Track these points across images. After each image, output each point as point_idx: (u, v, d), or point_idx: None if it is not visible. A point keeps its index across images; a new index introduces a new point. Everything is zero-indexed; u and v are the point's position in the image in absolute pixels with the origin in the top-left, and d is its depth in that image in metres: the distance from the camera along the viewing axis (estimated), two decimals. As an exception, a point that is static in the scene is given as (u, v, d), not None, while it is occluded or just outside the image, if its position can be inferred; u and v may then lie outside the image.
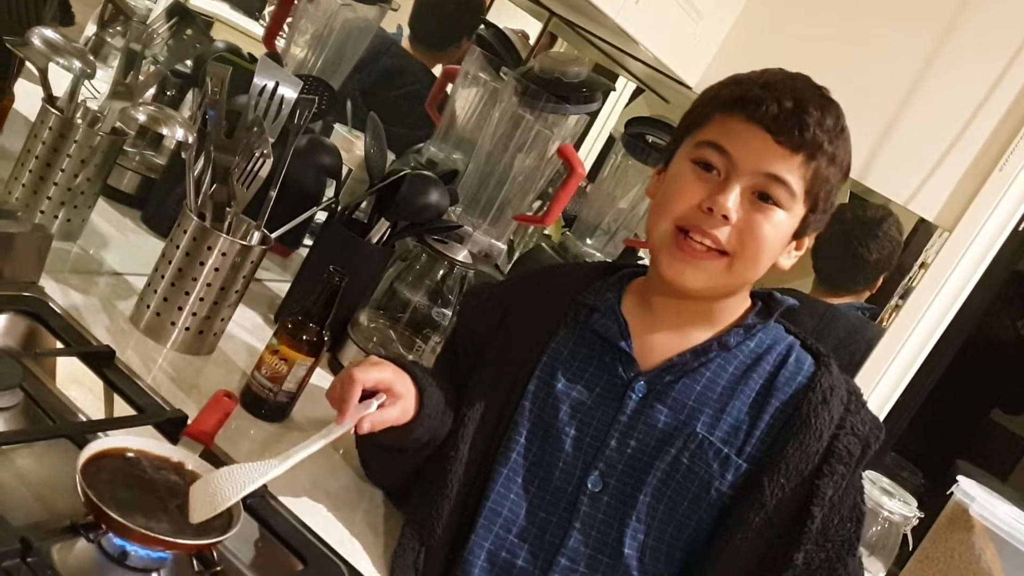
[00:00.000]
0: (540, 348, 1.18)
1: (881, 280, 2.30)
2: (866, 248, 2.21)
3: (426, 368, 1.19)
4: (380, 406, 1.06)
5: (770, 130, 1.06)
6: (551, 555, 1.12)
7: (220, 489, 0.93)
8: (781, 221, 1.09)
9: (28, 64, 1.41)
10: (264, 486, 1.06)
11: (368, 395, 1.06)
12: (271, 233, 1.41)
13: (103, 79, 1.53)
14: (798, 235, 1.13)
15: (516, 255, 2.13)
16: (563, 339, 1.19)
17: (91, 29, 1.84)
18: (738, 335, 1.15)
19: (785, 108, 1.06)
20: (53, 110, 1.40)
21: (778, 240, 1.11)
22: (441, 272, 1.58)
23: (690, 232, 1.09)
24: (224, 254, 1.31)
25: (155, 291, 1.33)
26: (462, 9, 2.72)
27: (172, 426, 1.10)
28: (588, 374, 1.16)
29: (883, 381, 1.84)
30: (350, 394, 1.04)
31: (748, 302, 1.20)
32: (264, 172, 1.33)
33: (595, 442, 1.13)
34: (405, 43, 2.82)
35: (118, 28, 1.62)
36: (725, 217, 1.07)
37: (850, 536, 1.11)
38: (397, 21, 2.87)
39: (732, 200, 1.07)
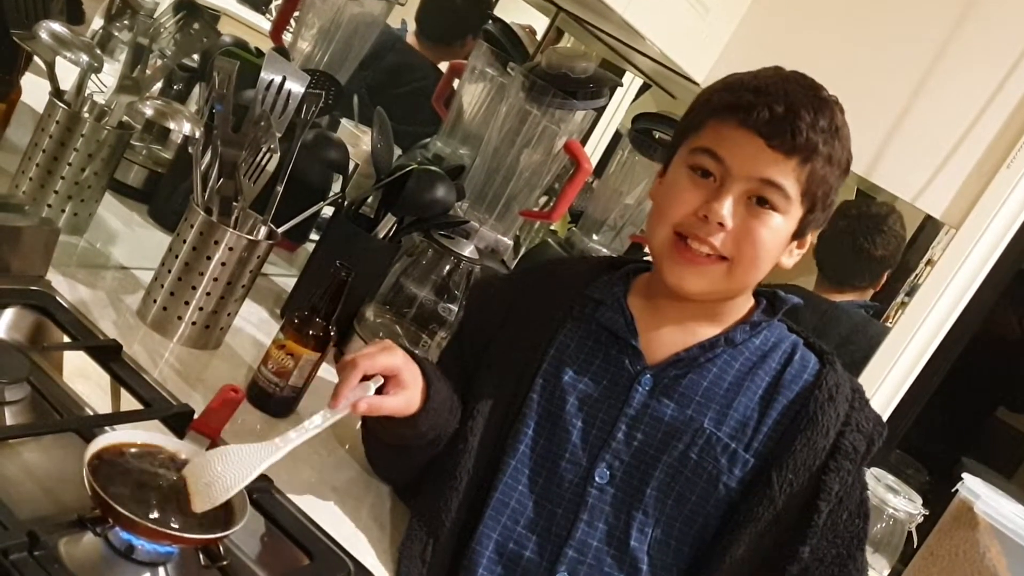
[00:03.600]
0: (547, 341, 1.19)
1: (885, 277, 2.29)
2: (872, 244, 2.21)
3: (434, 364, 1.19)
4: (379, 390, 1.05)
5: (763, 135, 1.06)
6: (558, 546, 1.12)
7: (217, 478, 0.92)
8: (778, 225, 1.09)
9: (35, 58, 1.41)
10: (268, 479, 1.07)
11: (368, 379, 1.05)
12: (278, 228, 1.41)
13: (110, 73, 1.53)
14: (798, 235, 1.14)
15: (522, 251, 2.13)
16: (570, 332, 1.19)
17: (98, 23, 1.84)
18: (744, 332, 1.16)
19: (776, 113, 1.05)
20: (60, 104, 1.40)
21: (776, 243, 1.11)
22: (447, 267, 1.58)
23: (688, 239, 1.10)
24: (231, 249, 1.31)
25: (162, 285, 1.33)
26: (470, 4, 2.72)
27: (179, 420, 1.10)
28: (595, 367, 1.16)
29: (889, 378, 1.84)
30: (347, 379, 1.02)
31: (752, 300, 1.20)
32: (271, 167, 1.33)
33: (602, 434, 1.14)
34: (410, 38, 2.81)
35: (125, 22, 1.62)
36: (720, 224, 1.07)
37: (859, 531, 1.12)
38: (402, 16, 2.87)
39: (727, 207, 1.07)
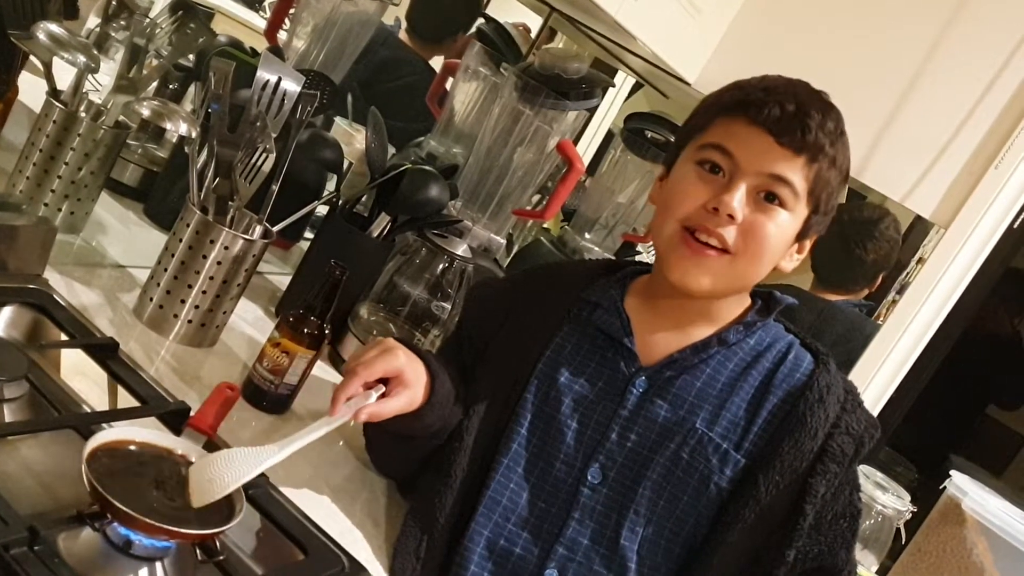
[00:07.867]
0: (544, 343, 1.20)
1: (880, 279, 2.31)
2: (863, 249, 2.22)
3: (438, 355, 1.21)
4: (381, 396, 1.07)
5: (772, 132, 1.08)
6: (549, 544, 1.14)
7: (218, 476, 0.95)
8: (785, 221, 1.11)
9: (32, 58, 1.42)
10: (264, 475, 1.08)
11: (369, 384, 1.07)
12: (273, 227, 1.42)
13: (107, 73, 1.54)
14: (800, 237, 1.15)
15: (515, 249, 2.14)
16: (566, 334, 1.20)
17: (94, 22, 1.85)
18: (738, 332, 1.17)
19: (787, 111, 1.07)
20: (57, 104, 1.41)
21: (781, 240, 1.12)
22: (441, 266, 1.59)
23: (696, 232, 1.11)
24: (226, 247, 1.32)
25: (158, 284, 1.34)
26: (459, 2, 2.73)
27: (175, 417, 1.11)
28: (590, 369, 1.18)
29: (878, 376, 1.86)
30: (345, 388, 1.05)
31: (748, 301, 1.21)
32: (267, 166, 1.34)
33: (596, 435, 1.15)
34: (402, 34, 2.82)
35: (121, 22, 1.63)
36: (731, 216, 1.08)
37: (844, 532, 1.12)
38: (395, 14, 2.88)
39: (738, 199, 1.08)
